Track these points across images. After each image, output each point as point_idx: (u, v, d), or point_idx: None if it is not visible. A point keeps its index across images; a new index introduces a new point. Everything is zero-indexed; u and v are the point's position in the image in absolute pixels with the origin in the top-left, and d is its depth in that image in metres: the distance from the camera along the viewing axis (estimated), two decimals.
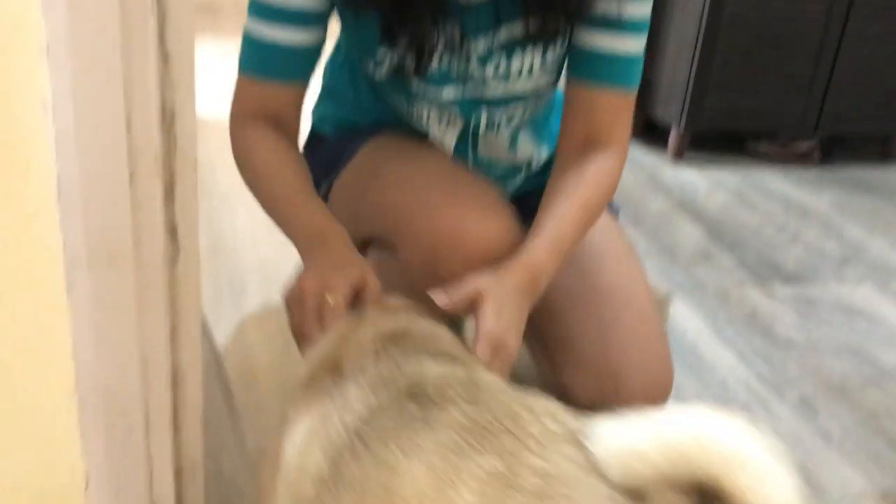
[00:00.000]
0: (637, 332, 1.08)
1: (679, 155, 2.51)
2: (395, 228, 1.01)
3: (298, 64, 1.00)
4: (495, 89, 1.04)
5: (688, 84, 2.40)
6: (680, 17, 2.43)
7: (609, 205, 1.22)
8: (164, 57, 0.62)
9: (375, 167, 1.08)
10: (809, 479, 1.17)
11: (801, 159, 2.61)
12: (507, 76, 1.02)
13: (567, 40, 1.02)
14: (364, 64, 1.05)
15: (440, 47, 0.98)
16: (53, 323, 0.62)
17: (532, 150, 1.17)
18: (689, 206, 2.18)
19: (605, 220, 1.15)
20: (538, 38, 0.99)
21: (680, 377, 1.36)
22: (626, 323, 1.08)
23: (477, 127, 1.09)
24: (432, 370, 0.67)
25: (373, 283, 0.86)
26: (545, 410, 0.60)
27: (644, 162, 2.51)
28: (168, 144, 0.63)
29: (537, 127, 1.16)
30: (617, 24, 0.97)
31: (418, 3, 0.94)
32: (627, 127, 1.03)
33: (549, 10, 0.96)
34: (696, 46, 2.36)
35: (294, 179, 0.98)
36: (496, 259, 0.94)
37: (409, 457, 0.57)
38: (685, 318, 1.59)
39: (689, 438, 0.51)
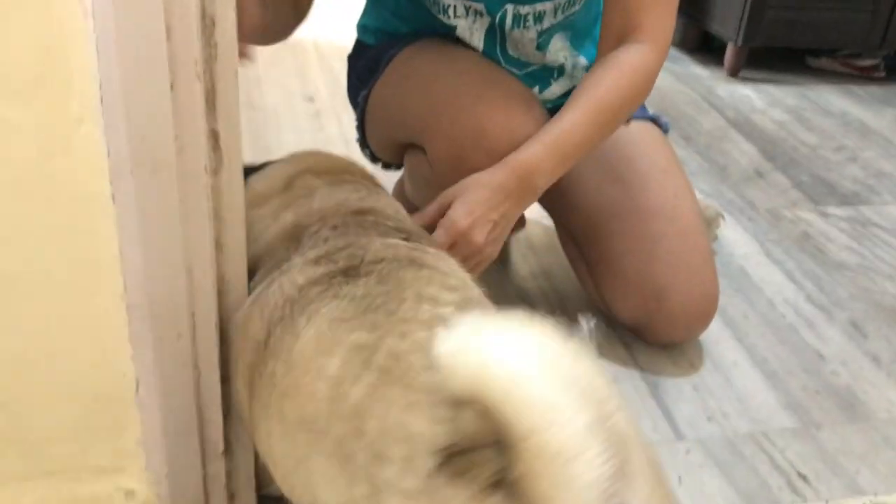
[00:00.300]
0: (682, 249, 1.07)
1: (735, 71, 2.43)
2: (422, 127, 1.01)
3: None
4: None
5: None
6: None
7: (658, 120, 1.19)
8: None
9: (408, 71, 1.08)
10: (856, 400, 1.16)
11: (864, 75, 2.51)
12: None
13: None
14: None
15: None
16: (100, 229, 0.63)
17: (566, 55, 1.14)
18: (743, 125, 2.12)
19: (651, 135, 1.12)
20: None
21: (726, 297, 1.34)
22: (670, 241, 1.07)
23: (503, 22, 1.07)
24: (375, 246, 0.67)
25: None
26: (428, 296, 0.59)
27: (699, 77, 2.43)
28: (208, 52, 0.63)
29: (577, 34, 1.12)
30: None
31: None
32: (667, 22, 0.98)
33: None
34: None
35: None
36: None
37: (309, 324, 0.59)
38: (735, 238, 1.56)
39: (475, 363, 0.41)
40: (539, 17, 1.06)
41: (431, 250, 0.70)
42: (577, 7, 1.08)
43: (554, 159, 0.91)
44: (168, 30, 0.59)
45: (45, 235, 0.63)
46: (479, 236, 0.88)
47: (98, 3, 0.57)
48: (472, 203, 0.88)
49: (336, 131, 1.77)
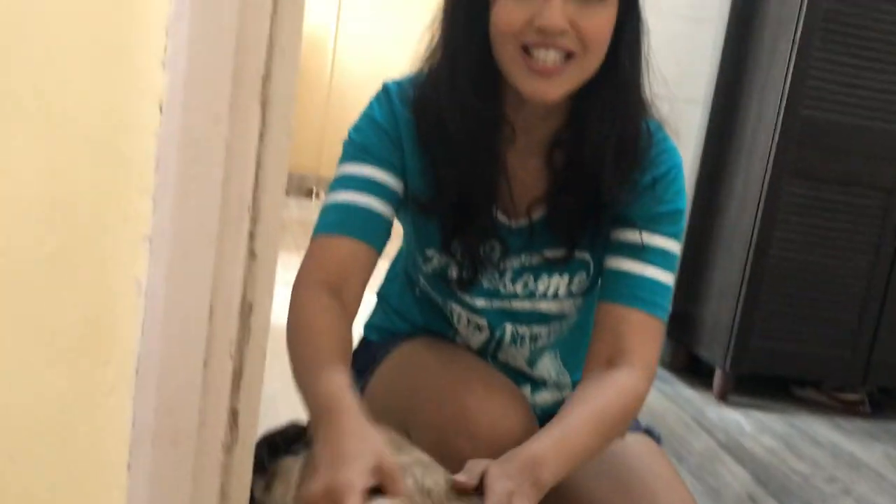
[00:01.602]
0: None
1: (724, 395, 2.49)
2: (408, 413, 1.02)
3: (373, 226, 1.02)
4: (522, 305, 1.10)
5: (732, 327, 2.43)
6: (724, 260, 2.51)
7: (651, 432, 1.21)
8: (252, 255, 0.67)
9: (401, 362, 1.13)
10: None
11: (850, 409, 2.57)
12: (532, 295, 1.09)
13: (593, 270, 1.08)
14: (416, 254, 1.12)
15: (483, 262, 1.06)
16: (111, 498, 0.63)
17: (553, 373, 1.19)
18: (734, 448, 2.13)
19: (650, 448, 1.14)
20: (564, 265, 1.06)
21: None
22: None
23: (501, 337, 1.13)
24: None
25: (388, 465, 0.80)
26: None
27: (688, 399, 2.49)
28: (242, 334, 0.67)
29: (567, 353, 1.19)
30: (641, 252, 1.02)
31: (475, 221, 1.03)
32: (652, 350, 1.02)
33: (575, 243, 1.04)
34: (740, 290, 2.41)
35: (326, 347, 0.95)
36: (504, 443, 0.92)
37: None
38: None
39: None
40: (535, 338, 1.14)
41: None
42: (567, 325, 1.16)
43: (561, 456, 0.91)
44: (211, 310, 0.64)
45: (54, 497, 0.63)
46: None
47: (151, 280, 0.62)
48: (509, 476, 0.86)
49: None
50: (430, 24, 1.02)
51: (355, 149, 1.04)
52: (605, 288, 1.06)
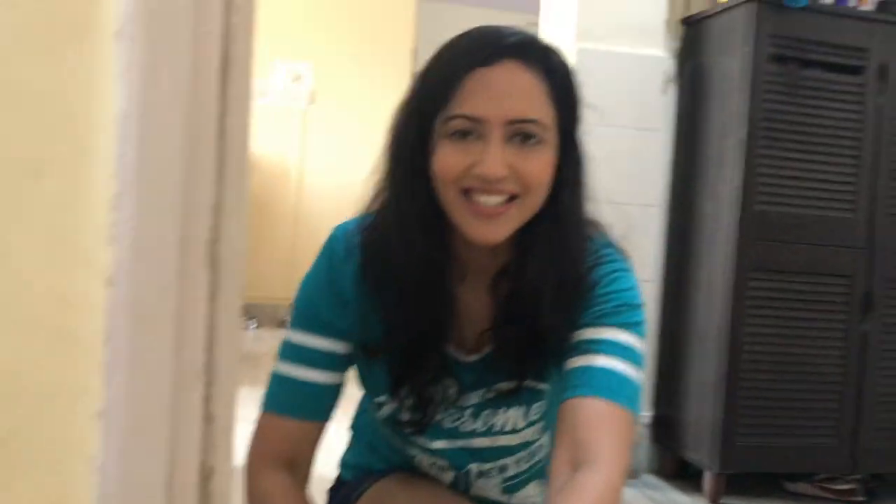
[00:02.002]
0: None
1: (716, 498, 2.45)
2: None
3: (320, 403, 1.06)
4: (482, 442, 1.07)
5: (715, 427, 2.41)
6: (699, 360, 2.51)
7: None
8: (209, 418, 0.66)
9: (374, 500, 1.11)
10: None
11: (844, 500, 2.52)
12: (491, 431, 1.06)
13: (549, 397, 1.05)
14: (368, 401, 1.12)
15: (435, 402, 1.04)
16: None
17: (536, 496, 1.17)
18: None
19: None
20: (518, 396, 1.03)
21: None
22: None
23: (468, 475, 1.11)
24: None
25: None
26: None
27: None
28: (203, 501, 0.66)
29: (544, 474, 1.16)
30: (588, 346, 0.97)
31: (425, 362, 1.01)
32: (618, 439, 0.91)
33: (526, 374, 1.02)
34: (718, 389, 2.41)
35: None
36: None
37: None
38: None
39: None
40: (503, 469, 1.11)
41: None
42: (541, 455, 1.13)
43: None
44: (169, 481, 0.63)
45: None
46: None
47: (106, 457, 0.61)
48: None
49: None
50: (374, 167, 1.03)
51: (300, 315, 1.06)
52: (560, 392, 1.00)
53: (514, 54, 0.92)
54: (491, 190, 0.92)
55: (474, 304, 1.03)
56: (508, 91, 0.91)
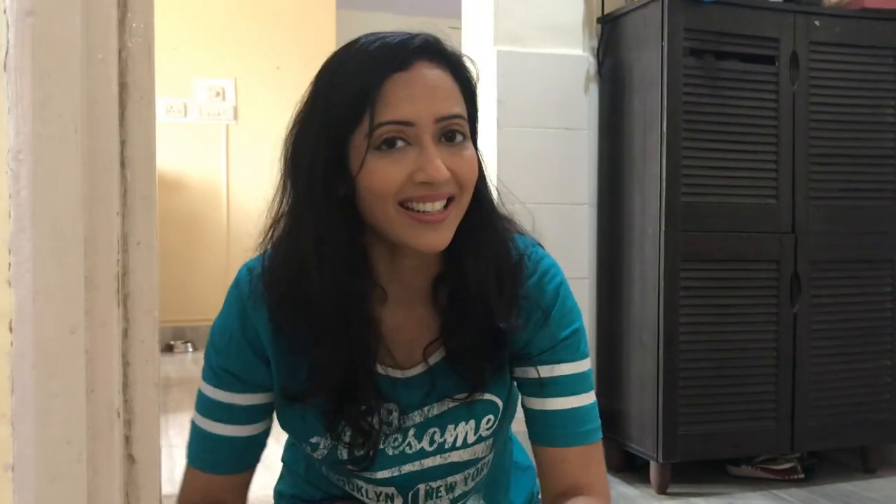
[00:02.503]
0: None
1: (663, 488, 2.48)
2: None
3: (242, 456, 1.04)
4: (433, 461, 1.04)
5: (657, 417, 2.44)
6: (637, 352, 2.54)
7: None
8: (130, 460, 0.64)
9: None
10: None
11: (785, 479, 2.58)
12: (442, 448, 1.03)
13: (501, 411, 1.04)
14: (300, 445, 1.07)
15: (376, 433, 0.99)
16: None
17: None
18: None
19: None
20: (468, 409, 1.01)
21: None
22: None
23: (416, 498, 1.08)
24: None
25: None
26: None
27: (629, 498, 2.46)
28: None
29: (491, 492, 1.15)
30: (555, 387, 1.00)
31: (359, 393, 0.96)
32: (600, 473, 1.03)
33: (482, 381, 1.00)
34: (657, 379, 2.44)
35: None
36: None
37: None
38: None
39: None
40: (451, 487, 1.09)
41: None
42: (485, 471, 1.12)
43: None
44: None
45: None
46: None
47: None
48: None
49: None
50: (268, 207, 0.98)
51: (212, 370, 1.01)
52: (533, 432, 1.03)
53: (425, 55, 0.91)
54: (433, 196, 0.90)
55: (404, 323, 1.00)
56: (431, 90, 0.89)
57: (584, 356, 1.03)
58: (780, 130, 2.49)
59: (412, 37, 0.92)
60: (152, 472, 0.65)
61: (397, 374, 1.01)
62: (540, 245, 1.06)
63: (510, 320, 0.98)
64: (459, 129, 0.91)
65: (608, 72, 2.70)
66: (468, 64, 0.96)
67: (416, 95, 0.88)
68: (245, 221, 5.20)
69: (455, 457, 1.04)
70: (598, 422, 1.04)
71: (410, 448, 1.03)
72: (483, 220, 0.98)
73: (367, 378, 0.96)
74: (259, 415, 1.02)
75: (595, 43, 2.73)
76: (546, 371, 1.00)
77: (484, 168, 0.98)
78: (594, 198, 2.75)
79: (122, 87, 0.63)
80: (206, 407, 1.02)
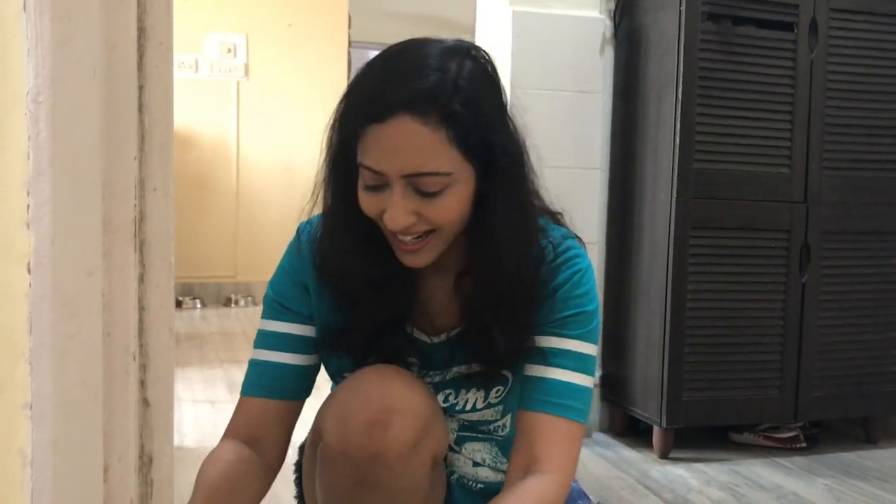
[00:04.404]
0: None
1: (665, 453, 2.50)
2: (320, 419, 1.06)
3: (287, 382, 1.10)
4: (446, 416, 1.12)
5: (662, 383, 2.45)
6: (644, 318, 2.55)
7: None
8: (145, 403, 0.65)
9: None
10: None
11: (787, 447, 2.60)
12: (454, 408, 1.12)
13: (512, 384, 1.09)
14: (336, 380, 1.15)
15: None
16: None
17: (487, 459, 1.19)
18: None
19: None
20: (481, 379, 1.08)
21: None
22: None
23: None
24: None
25: None
26: None
27: (631, 461, 2.48)
28: (144, 489, 0.64)
29: (508, 449, 1.18)
30: (546, 357, 1.04)
31: (390, 341, 1.07)
32: (564, 452, 1.03)
33: (497, 359, 1.05)
34: (663, 345, 2.45)
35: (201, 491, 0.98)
36: (394, 402, 0.99)
37: None
38: None
39: None
40: (459, 441, 1.15)
41: None
42: (502, 432, 1.16)
43: None
44: (105, 470, 0.61)
45: None
46: None
47: (37, 448, 0.59)
48: None
49: None
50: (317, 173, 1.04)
51: (270, 304, 1.12)
52: (521, 396, 1.07)
53: (405, 108, 0.91)
54: (403, 232, 0.97)
55: (439, 293, 1.08)
56: (401, 148, 0.92)
57: (588, 339, 1.06)
58: (796, 98, 2.47)
59: (399, 85, 0.92)
60: (166, 415, 0.66)
61: (423, 337, 1.10)
62: (576, 237, 1.10)
63: (527, 308, 1.04)
64: (429, 186, 0.93)
65: (624, 35, 2.67)
66: (470, 97, 0.95)
67: (386, 151, 0.92)
68: (254, 180, 5.20)
69: (464, 417, 1.13)
70: (586, 408, 1.06)
71: None
72: (495, 231, 1.00)
73: (395, 335, 1.07)
74: (308, 347, 1.10)
75: (612, 5, 2.70)
76: (547, 342, 1.04)
77: (510, 177, 1.00)
78: (606, 162, 2.73)
79: (141, 31, 0.63)
80: (262, 339, 1.11)
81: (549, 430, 1.02)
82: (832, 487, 2.29)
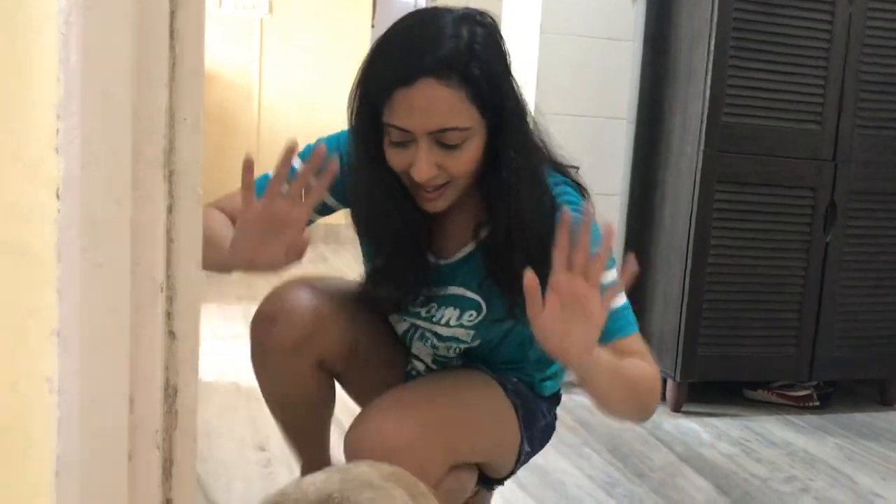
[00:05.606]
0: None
1: (678, 406, 2.50)
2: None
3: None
4: (424, 325, 1.30)
5: (678, 337, 2.44)
6: (663, 271, 2.53)
7: None
8: (171, 335, 0.64)
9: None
10: None
11: (800, 405, 2.60)
12: (430, 319, 1.28)
13: (485, 312, 1.24)
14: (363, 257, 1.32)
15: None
16: None
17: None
18: (694, 459, 2.14)
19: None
20: (460, 300, 1.24)
21: None
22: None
23: (412, 335, 1.34)
24: None
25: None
26: None
27: None
28: (168, 420, 0.64)
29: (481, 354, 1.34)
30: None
31: (404, 270, 1.22)
32: (646, 353, 1.17)
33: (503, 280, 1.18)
34: (681, 299, 2.43)
35: (212, 225, 1.14)
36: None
37: None
38: None
39: None
40: (434, 346, 1.32)
41: None
42: (468, 349, 1.32)
43: (610, 359, 1.05)
44: (131, 400, 0.61)
45: None
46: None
47: (63, 376, 0.59)
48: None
49: (287, 478, 1.73)
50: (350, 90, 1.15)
51: (308, 150, 1.18)
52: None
53: (430, 72, 1.05)
54: (427, 183, 1.11)
55: (453, 223, 1.23)
56: (427, 107, 1.06)
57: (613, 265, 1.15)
58: (831, 53, 2.41)
59: (425, 50, 1.06)
60: (192, 348, 0.65)
61: (431, 258, 1.26)
62: (576, 185, 1.22)
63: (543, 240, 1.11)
64: (452, 139, 1.08)
65: None
66: (484, 56, 1.08)
67: (413, 111, 1.06)
68: (276, 119, 5.17)
69: (440, 330, 1.29)
70: (633, 319, 1.20)
71: (413, 307, 1.28)
72: (518, 161, 1.13)
73: (416, 257, 1.22)
74: (318, 208, 1.23)
75: None
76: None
77: (527, 109, 1.16)
78: (633, 113, 2.69)
79: None
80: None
81: (627, 349, 1.14)
82: (843, 446, 2.29)
